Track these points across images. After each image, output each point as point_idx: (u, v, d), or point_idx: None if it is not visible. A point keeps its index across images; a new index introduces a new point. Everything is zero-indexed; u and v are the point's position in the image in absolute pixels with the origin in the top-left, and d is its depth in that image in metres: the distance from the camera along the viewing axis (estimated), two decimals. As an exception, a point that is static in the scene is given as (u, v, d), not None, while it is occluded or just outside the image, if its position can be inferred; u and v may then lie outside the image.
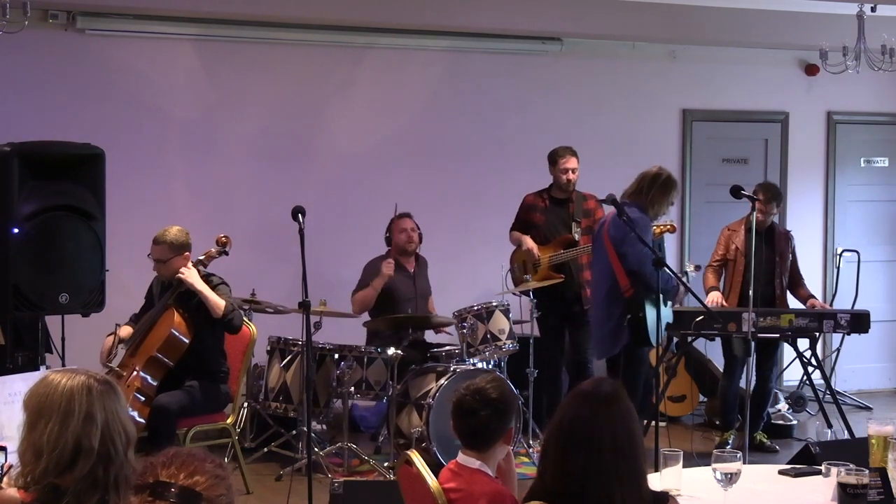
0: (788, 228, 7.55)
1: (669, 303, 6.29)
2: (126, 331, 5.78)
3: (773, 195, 6.92)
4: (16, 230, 5.34)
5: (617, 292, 5.99)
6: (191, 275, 5.63)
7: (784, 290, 7.05)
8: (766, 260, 6.86)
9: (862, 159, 9.24)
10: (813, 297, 7.13)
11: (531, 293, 6.76)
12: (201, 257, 5.82)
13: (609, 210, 6.19)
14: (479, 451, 3.27)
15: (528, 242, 6.98)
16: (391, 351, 6.28)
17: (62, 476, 2.51)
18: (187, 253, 5.72)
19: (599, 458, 2.54)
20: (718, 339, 7.16)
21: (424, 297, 7.14)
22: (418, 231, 7.12)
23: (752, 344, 6.02)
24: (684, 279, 6.62)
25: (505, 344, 6.58)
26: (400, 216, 7.07)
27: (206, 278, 5.78)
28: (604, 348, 6.21)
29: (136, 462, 2.59)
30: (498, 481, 3.29)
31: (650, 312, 5.89)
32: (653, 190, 6.03)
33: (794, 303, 7.18)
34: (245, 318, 6.23)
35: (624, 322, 5.96)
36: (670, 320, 6.28)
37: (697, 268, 7.16)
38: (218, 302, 5.61)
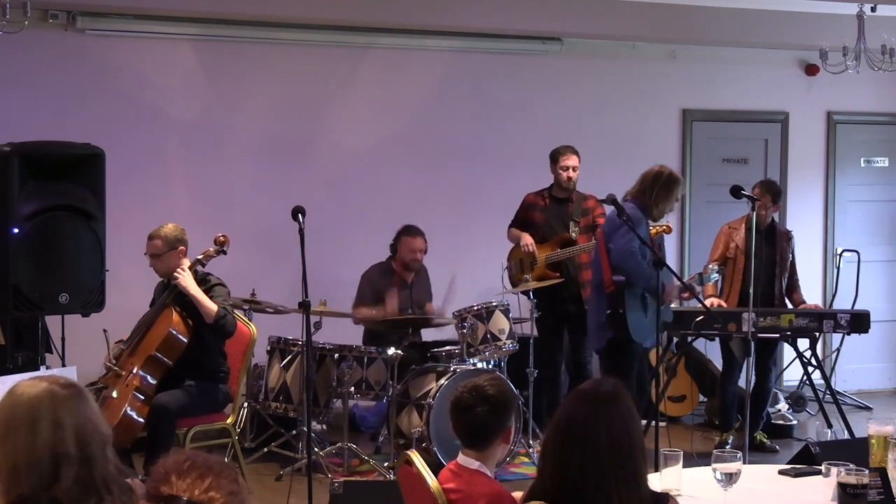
0: (789, 228, 7.53)
1: (670, 304, 6.30)
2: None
3: (766, 189, 6.88)
4: (16, 230, 5.34)
5: (602, 287, 6.02)
6: (185, 278, 5.63)
7: (783, 291, 7.03)
8: (766, 260, 6.83)
9: (862, 159, 9.24)
10: (804, 303, 7.11)
11: (531, 293, 6.76)
12: (199, 256, 5.82)
13: (610, 208, 6.21)
14: (478, 449, 3.27)
15: (526, 238, 6.99)
16: (391, 351, 6.28)
17: (52, 489, 2.46)
18: (182, 248, 5.72)
19: (596, 457, 2.54)
20: (718, 339, 7.15)
21: (420, 308, 7.14)
22: (426, 247, 7.12)
23: (752, 344, 6.02)
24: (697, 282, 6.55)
25: (505, 344, 6.58)
26: (412, 233, 7.05)
27: (204, 278, 5.78)
28: (592, 340, 6.32)
29: (116, 458, 2.58)
30: (497, 482, 3.29)
31: (634, 310, 5.88)
32: (655, 189, 5.98)
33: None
34: (245, 318, 6.23)
35: (604, 318, 5.97)
36: (669, 319, 6.26)
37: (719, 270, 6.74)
38: (210, 307, 5.60)
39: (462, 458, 3.29)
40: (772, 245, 6.94)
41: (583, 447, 2.56)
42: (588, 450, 2.55)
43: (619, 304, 5.89)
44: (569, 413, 2.63)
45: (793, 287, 7.09)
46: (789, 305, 7.09)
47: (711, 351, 7.89)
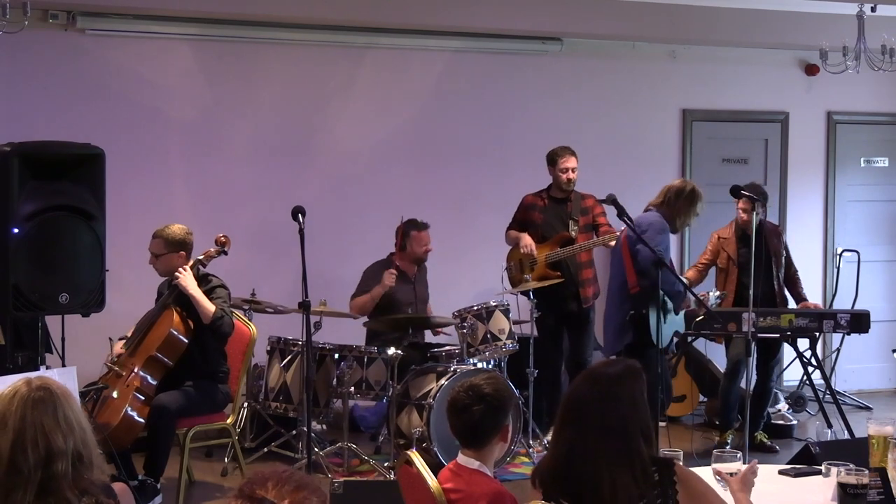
0: (778, 223, 7.49)
1: (681, 312, 6.35)
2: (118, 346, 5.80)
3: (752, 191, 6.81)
4: (16, 230, 5.33)
5: (625, 289, 6.11)
6: (185, 278, 5.64)
7: (782, 286, 7.02)
8: (761, 262, 6.77)
9: (862, 159, 9.24)
10: (805, 300, 7.09)
11: (531, 293, 6.76)
12: (200, 257, 5.82)
13: (642, 214, 6.32)
14: (476, 449, 3.27)
15: (525, 239, 6.98)
16: (391, 351, 6.28)
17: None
18: (183, 252, 5.72)
19: (586, 436, 2.64)
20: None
21: (424, 302, 7.16)
22: None
23: (753, 344, 6.03)
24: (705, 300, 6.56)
25: (505, 344, 6.58)
26: (421, 227, 7.06)
27: (205, 278, 5.78)
28: (609, 344, 6.36)
29: (96, 462, 2.63)
30: (497, 481, 3.29)
31: (653, 313, 5.92)
32: (678, 202, 6.24)
33: (791, 302, 7.16)
34: (245, 318, 6.23)
35: (627, 318, 6.06)
36: (680, 329, 6.36)
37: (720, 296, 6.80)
38: (208, 307, 5.60)
39: (462, 458, 3.29)
40: (762, 247, 6.88)
41: (576, 424, 2.67)
42: (580, 429, 2.66)
43: (644, 305, 5.95)
44: (571, 391, 2.76)
45: (791, 280, 7.08)
46: (790, 299, 7.08)
47: (711, 351, 7.89)
